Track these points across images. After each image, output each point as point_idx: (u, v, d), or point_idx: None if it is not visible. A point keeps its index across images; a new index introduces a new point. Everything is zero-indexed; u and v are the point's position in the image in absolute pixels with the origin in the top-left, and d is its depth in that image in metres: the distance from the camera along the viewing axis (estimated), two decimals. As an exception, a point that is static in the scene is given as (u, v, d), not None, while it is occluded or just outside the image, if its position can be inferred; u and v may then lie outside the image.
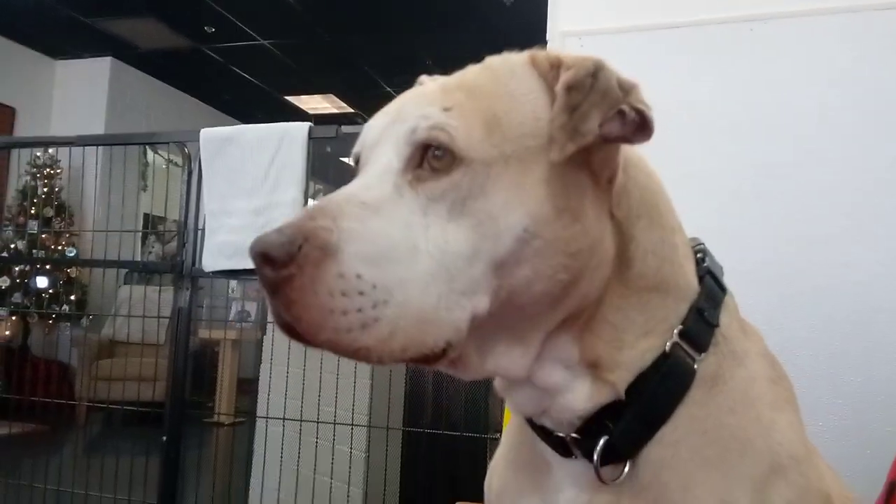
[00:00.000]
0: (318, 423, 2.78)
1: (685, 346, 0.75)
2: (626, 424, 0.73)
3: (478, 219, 0.68)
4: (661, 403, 0.74)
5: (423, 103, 0.73)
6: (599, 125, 0.68)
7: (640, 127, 0.69)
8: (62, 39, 7.12)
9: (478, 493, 0.95)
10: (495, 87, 0.73)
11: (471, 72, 0.77)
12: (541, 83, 0.73)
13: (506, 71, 0.75)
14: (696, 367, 0.75)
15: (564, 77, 0.70)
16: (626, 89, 0.70)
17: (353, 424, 2.80)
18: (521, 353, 0.73)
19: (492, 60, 0.77)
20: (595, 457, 0.74)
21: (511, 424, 0.93)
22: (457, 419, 3.06)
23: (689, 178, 1.82)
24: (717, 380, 0.76)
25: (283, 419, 2.94)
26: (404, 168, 0.71)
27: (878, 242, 1.69)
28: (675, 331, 0.76)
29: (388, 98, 0.85)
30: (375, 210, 0.68)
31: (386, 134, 0.74)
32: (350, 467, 2.77)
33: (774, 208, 1.78)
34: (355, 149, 0.80)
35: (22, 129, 7.12)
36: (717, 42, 1.90)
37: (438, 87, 0.75)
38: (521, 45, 0.84)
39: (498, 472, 0.91)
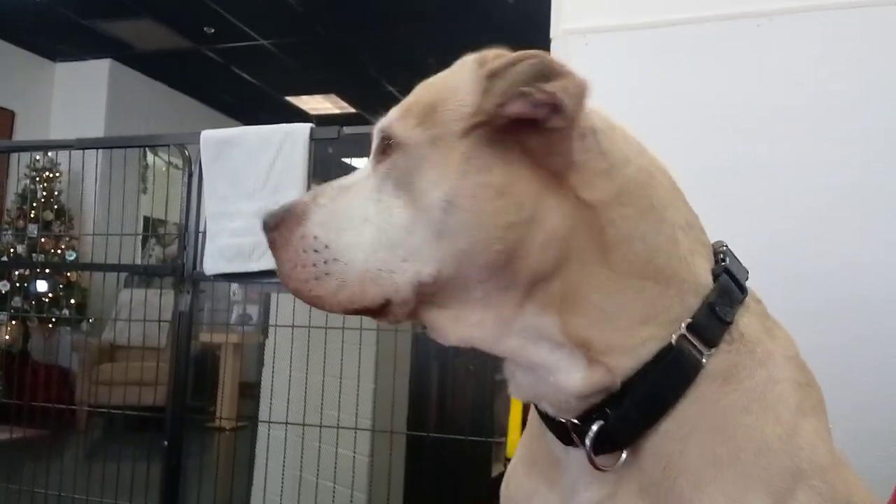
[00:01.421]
0: (320, 427, 2.75)
1: (692, 340, 0.76)
2: (623, 411, 0.75)
3: (414, 194, 0.78)
4: (662, 393, 0.75)
5: (401, 104, 0.85)
6: (500, 104, 0.75)
7: (554, 109, 0.73)
8: (61, 42, 7.11)
9: (483, 498, 0.93)
10: (444, 82, 0.83)
11: (447, 69, 0.85)
12: (478, 76, 0.80)
13: (459, 66, 0.84)
14: (703, 361, 0.76)
15: (488, 66, 0.78)
16: (549, 76, 0.74)
17: (356, 428, 2.78)
18: (493, 323, 0.78)
19: (465, 58, 0.85)
20: (587, 441, 0.75)
21: (528, 423, 0.94)
22: (462, 423, 3.04)
23: (693, 173, 1.78)
24: (729, 377, 0.76)
25: (286, 423, 2.91)
26: (374, 156, 0.84)
27: None
28: (683, 324, 0.76)
29: (390, 97, 0.86)
30: (347, 189, 0.84)
31: None
32: (353, 472, 2.74)
33: (781, 205, 1.76)
34: None
35: (21, 133, 7.11)
36: (723, 39, 1.88)
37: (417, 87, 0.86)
38: (525, 43, 0.86)
39: (514, 474, 0.92)
